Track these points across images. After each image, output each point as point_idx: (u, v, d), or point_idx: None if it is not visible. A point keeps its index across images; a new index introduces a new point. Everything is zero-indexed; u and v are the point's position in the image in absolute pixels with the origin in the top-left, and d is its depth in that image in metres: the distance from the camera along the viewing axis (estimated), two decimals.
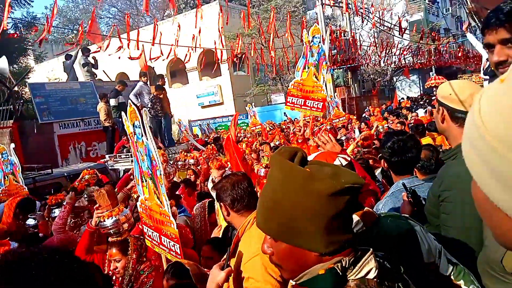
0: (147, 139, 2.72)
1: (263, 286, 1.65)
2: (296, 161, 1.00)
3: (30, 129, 11.47)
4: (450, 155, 1.79)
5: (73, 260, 0.82)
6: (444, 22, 29.77)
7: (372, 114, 15.80)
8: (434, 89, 19.04)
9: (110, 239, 2.87)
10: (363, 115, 16.65)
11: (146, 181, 2.86)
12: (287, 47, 14.81)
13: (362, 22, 19.34)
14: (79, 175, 6.14)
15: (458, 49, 28.51)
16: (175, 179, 6.21)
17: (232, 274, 1.70)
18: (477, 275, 1.39)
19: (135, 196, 4.22)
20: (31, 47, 18.85)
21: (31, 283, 0.72)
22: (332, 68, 18.94)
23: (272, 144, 8.78)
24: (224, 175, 3.21)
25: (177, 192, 5.17)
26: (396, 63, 25.25)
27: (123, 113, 3.01)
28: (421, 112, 13.42)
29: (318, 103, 5.41)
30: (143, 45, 10.48)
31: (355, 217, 1.42)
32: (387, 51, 22.33)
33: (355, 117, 13.61)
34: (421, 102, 20.08)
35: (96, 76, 14.37)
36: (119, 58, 9.69)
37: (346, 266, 0.96)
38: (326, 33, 18.44)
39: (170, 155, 9.25)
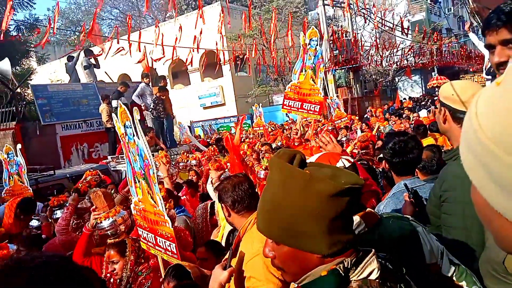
0: (138, 138, 2.69)
1: (264, 285, 1.66)
2: (295, 164, 1.00)
3: (33, 130, 11.49)
4: (452, 155, 1.78)
5: (71, 264, 0.82)
6: (446, 22, 29.69)
7: (373, 114, 15.77)
8: (436, 89, 18.97)
9: (108, 240, 2.85)
10: (365, 116, 16.63)
11: (139, 181, 2.82)
12: (289, 48, 14.81)
13: (365, 22, 19.36)
14: (82, 176, 6.16)
15: (460, 49, 28.42)
16: (177, 180, 6.21)
17: (234, 273, 1.70)
18: (479, 276, 1.39)
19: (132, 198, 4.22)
20: (33, 49, 18.90)
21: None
22: (334, 68, 18.94)
23: (273, 145, 8.77)
24: (223, 176, 3.21)
25: (179, 194, 5.18)
26: (398, 63, 25.20)
27: (113, 114, 2.97)
28: (424, 112, 13.38)
29: (315, 106, 5.40)
30: (145, 46, 10.51)
31: (357, 218, 1.43)
32: (389, 51, 22.30)
33: (357, 117, 13.59)
34: (423, 103, 20.03)
35: (96, 79, 14.39)
36: (123, 55, 9.68)
37: (348, 267, 0.96)
38: (327, 33, 18.49)
39: (172, 156, 9.26)
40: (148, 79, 11.59)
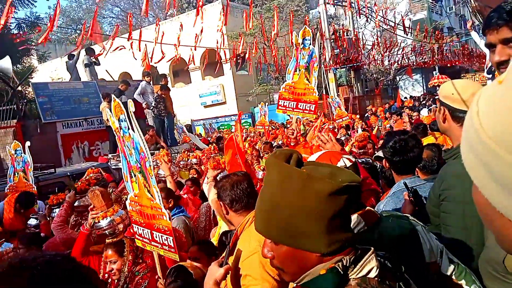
0: (133, 131, 2.66)
1: (260, 283, 1.66)
2: (292, 163, 1.00)
3: (33, 128, 11.50)
4: (451, 154, 1.78)
5: (74, 264, 0.82)
6: (447, 21, 29.64)
7: (373, 113, 15.76)
8: (438, 88, 18.86)
9: (106, 240, 2.83)
10: (366, 115, 16.62)
11: (135, 175, 2.79)
12: (290, 47, 14.78)
13: (366, 21, 19.32)
14: (82, 174, 6.16)
15: (462, 48, 28.38)
16: (178, 179, 6.22)
17: (230, 271, 1.70)
18: (478, 275, 1.39)
19: (124, 198, 4.20)
20: (34, 47, 18.91)
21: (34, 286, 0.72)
22: (335, 67, 18.92)
23: (274, 144, 8.78)
24: (220, 175, 3.18)
25: (181, 192, 5.17)
26: (399, 62, 25.17)
27: (107, 109, 2.95)
28: (425, 111, 13.36)
29: (310, 106, 5.34)
30: (145, 44, 10.50)
31: (357, 217, 1.43)
32: (390, 50, 22.27)
33: (357, 116, 13.58)
34: (423, 102, 19.99)
35: (97, 78, 14.39)
36: (121, 49, 9.67)
37: (347, 265, 0.96)
38: (329, 32, 18.47)
39: (172, 155, 9.26)
40: (149, 78, 11.60)
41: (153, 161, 3.21)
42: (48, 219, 4.62)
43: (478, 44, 8.54)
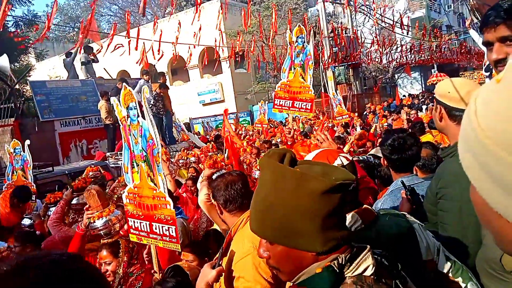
0: (144, 118, 2.64)
1: (253, 286, 1.65)
2: (286, 163, 1.00)
3: (31, 127, 11.48)
4: (448, 152, 1.78)
5: (80, 263, 0.82)
6: (446, 19, 29.63)
7: (372, 111, 15.76)
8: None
9: (101, 241, 2.79)
10: (364, 113, 16.62)
11: (138, 165, 2.76)
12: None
13: (365, 19, 19.29)
14: (81, 173, 6.15)
15: (460, 46, 28.39)
16: (176, 177, 6.21)
17: (224, 273, 1.69)
18: (475, 273, 1.39)
19: (115, 197, 4.17)
20: (32, 45, 18.85)
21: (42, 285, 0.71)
22: (333, 65, 18.90)
23: (273, 142, 8.78)
24: (216, 174, 3.15)
25: (180, 190, 5.16)
26: (398, 60, 25.16)
27: (114, 98, 2.92)
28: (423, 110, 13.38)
29: (306, 104, 5.30)
30: (144, 43, 10.48)
31: (354, 215, 1.43)
32: (389, 48, 22.26)
33: (356, 114, 13.58)
34: (422, 100, 20.00)
35: (95, 76, 14.35)
36: (121, 54, 9.66)
37: (343, 263, 0.96)
38: (327, 30, 18.45)
39: (171, 153, 9.26)
40: (148, 76, 11.58)
41: None
42: (43, 218, 4.61)
43: (477, 42, 8.53)
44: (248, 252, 1.70)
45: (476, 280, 1.38)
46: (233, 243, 1.82)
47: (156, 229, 2.66)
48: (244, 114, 22.26)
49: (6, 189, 5.69)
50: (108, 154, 9.86)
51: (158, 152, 2.58)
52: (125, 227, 3.05)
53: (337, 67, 19.23)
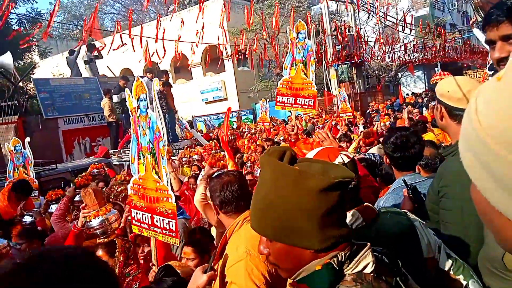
0: (152, 110, 2.67)
1: None
2: (286, 160, 1.00)
3: (35, 124, 11.53)
4: (450, 151, 1.78)
5: (93, 257, 0.83)
6: (450, 18, 29.47)
7: (375, 110, 15.72)
8: None
9: (97, 240, 2.76)
10: (367, 111, 16.58)
11: (144, 157, 2.79)
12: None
13: (368, 17, 19.21)
14: (84, 170, 6.18)
15: (464, 45, 28.26)
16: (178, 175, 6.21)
17: (218, 276, 1.69)
18: (477, 271, 1.39)
19: (112, 195, 4.18)
20: (36, 43, 18.91)
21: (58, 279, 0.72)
22: (336, 63, 18.86)
23: (275, 140, 8.78)
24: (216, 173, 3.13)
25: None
26: (401, 58, 25.07)
27: (127, 88, 2.96)
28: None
29: (309, 100, 5.21)
30: (147, 41, 10.49)
31: (355, 213, 1.43)
32: (392, 46, 22.18)
33: (359, 113, 13.55)
34: (426, 98, 19.91)
35: (98, 74, 14.37)
36: (124, 52, 9.68)
37: (342, 260, 0.97)
38: (330, 28, 18.41)
39: (174, 151, 9.28)
40: (151, 74, 11.60)
41: None
42: (44, 215, 4.63)
43: (481, 41, 8.49)
44: (241, 258, 1.66)
45: (478, 278, 1.38)
46: (228, 247, 1.79)
47: (157, 222, 2.68)
48: (246, 112, 22.23)
49: (8, 184, 5.75)
50: (111, 151, 9.89)
51: (163, 145, 2.61)
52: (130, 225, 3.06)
53: (340, 66, 19.19)
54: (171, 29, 11.97)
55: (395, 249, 1.12)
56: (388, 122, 9.73)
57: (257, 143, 8.52)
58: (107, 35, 12.98)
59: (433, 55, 25.75)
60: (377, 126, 9.09)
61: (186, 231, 3.82)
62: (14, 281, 0.70)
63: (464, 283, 1.38)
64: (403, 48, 23.69)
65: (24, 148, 5.96)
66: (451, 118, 1.76)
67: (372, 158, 4.17)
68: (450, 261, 1.43)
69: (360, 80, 20.58)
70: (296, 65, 5.28)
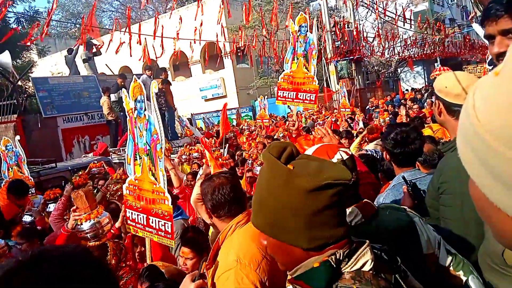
0: (150, 112, 2.67)
1: None
2: (284, 157, 1.00)
3: (34, 123, 11.52)
4: (449, 147, 1.77)
5: (93, 256, 0.85)
6: (449, 12, 29.41)
7: (375, 106, 15.71)
8: None
9: (88, 244, 2.70)
10: (367, 107, 16.56)
11: (140, 158, 2.79)
12: (289, 39, 14.66)
13: (368, 12, 19.16)
14: (84, 168, 6.17)
15: (464, 40, 28.22)
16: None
17: (210, 283, 1.67)
18: (477, 267, 1.39)
19: (108, 195, 4.17)
20: (32, 42, 18.86)
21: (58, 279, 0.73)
22: (335, 59, 18.81)
23: (275, 136, 8.77)
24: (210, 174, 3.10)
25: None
26: (401, 54, 25.03)
27: (123, 89, 2.95)
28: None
29: (310, 95, 5.11)
30: (145, 38, 10.47)
31: (354, 209, 1.43)
32: (392, 42, 22.14)
33: (358, 109, 13.53)
34: (426, 94, 19.87)
35: (97, 72, 14.34)
36: (125, 45, 9.65)
37: (341, 258, 0.96)
38: (329, 24, 18.35)
39: (173, 149, 9.27)
40: (150, 72, 11.58)
41: None
42: (43, 214, 4.63)
43: (480, 36, 8.46)
44: (231, 267, 1.61)
45: (478, 274, 1.38)
46: (220, 253, 1.74)
47: (152, 223, 2.69)
48: (246, 109, 22.22)
49: (3, 185, 5.75)
50: (110, 149, 9.87)
51: (161, 148, 2.61)
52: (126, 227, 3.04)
53: (339, 62, 19.15)
54: (170, 27, 11.95)
55: (395, 246, 1.12)
56: (388, 118, 9.71)
57: (257, 140, 8.50)
58: (106, 33, 12.95)
59: (432, 51, 25.71)
60: (376, 123, 9.08)
61: None
62: (15, 280, 0.71)
63: (464, 279, 1.38)
64: (402, 43, 23.63)
65: (16, 147, 5.96)
66: (449, 113, 1.75)
67: (374, 154, 4.16)
68: (450, 257, 1.42)
69: (359, 76, 20.54)
70: (297, 59, 5.18)
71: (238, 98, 23.56)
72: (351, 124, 9.98)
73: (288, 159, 1.00)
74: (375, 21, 21.75)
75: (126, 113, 2.95)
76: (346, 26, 18.91)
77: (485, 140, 0.48)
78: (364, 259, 0.97)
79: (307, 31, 5.18)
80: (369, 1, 19.37)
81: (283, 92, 5.26)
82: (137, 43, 9.93)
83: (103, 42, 10.42)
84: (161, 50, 10.99)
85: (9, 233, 4.18)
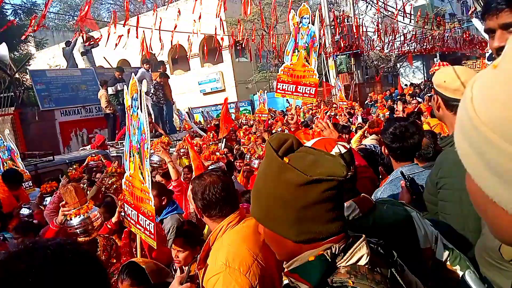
0: (141, 111, 2.68)
1: None
2: (282, 149, 1.00)
3: (32, 116, 11.49)
4: (448, 141, 1.77)
5: (83, 248, 0.89)
6: (449, 7, 29.32)
7: (373, 101, 15.70)
8: None
9: (77, 239, 2.67)
10: (366, 102, 16.55)
11: (133, 155, 2.81)
12: (289, 33, 14.61)
13: (367, 7, 19.07)
14: (81, 161, 6.16)
15: (463, 35, 28.17)
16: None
17: (200, 285, 1.65)
18: (474, 262, 1.39)
19: (103, 188, 4.16)
20: (28, 34, 18.76)
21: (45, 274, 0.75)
22: (335, 54, 18.77)
23: (274, 131, 8.76)
24: (211, 167, 3.10)
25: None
26: (400, 49, 24.98)
27: (125, 86, 2.96)
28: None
29: (310, 89, 5.06)
30: (143, 31, 10.41)
31: (352, 204, 1.42)
32: (391, 37, 22.08)
33: (357, 103, 13.53)
34: (425, 89, 19.88)
35: (95, 65, 14.27)
36: (123, 38, 9.59)
37: (336, 253, 0.96)
38: (329, 18, 18.27)
39: (172, 142, 9.24)
40: (148, 65, 11.53)
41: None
42: (41, 207, 4.63)
43: (480, 31, 8.44)
44: (219, 271, 1.57)
45: (475, 268, 1.38)
46: (210, 255, 1.70)
47: (141, 220, 2.71)
48: (245, 104, 22.19)
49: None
50: (108, 143, 9.86)
51: (147, 148, 2.61)
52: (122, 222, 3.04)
53: (338, 56, 19.10)
54: (168, 20, 11.88)
55: (392, 240, 1.12)
56: (387, 113, 9.73)
57: (257, 134, 8.49)
58: (104, 25, 12.88)
59: (432, 45, 25.66)
60: (375, 117, 9.08)
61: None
62: (8, 268, 0.74)
63: (461, 273, 1.38)
64: (402, 38, 23.57)
65: (6, 141, 5.94)
66: (447, 108, 1.75)
67: (373, 148, 4.16)
68: (446, 252, 1.43)
69: (359, 71, 20.53)
70: (298, 51, 5.11)
71: (237, 92, 23.50)
72: (351, 119, 9.99)
73: (287, 152, 1.00)
74: (375, 15, 21.67)
75: (126, 109, 2.98)
76: (345, 20, 18.85)
77: (482, 132, 0.48)
78: (360, 254, 0.96)
79: (309, 23, 5.11)
80: None
81: (283, 85, 5.21)
82: (136, 37, 9.87)
83: (101, 35, 10.35)
84: (159, 43, 10.93)
85: (6, 226, 4.18)
